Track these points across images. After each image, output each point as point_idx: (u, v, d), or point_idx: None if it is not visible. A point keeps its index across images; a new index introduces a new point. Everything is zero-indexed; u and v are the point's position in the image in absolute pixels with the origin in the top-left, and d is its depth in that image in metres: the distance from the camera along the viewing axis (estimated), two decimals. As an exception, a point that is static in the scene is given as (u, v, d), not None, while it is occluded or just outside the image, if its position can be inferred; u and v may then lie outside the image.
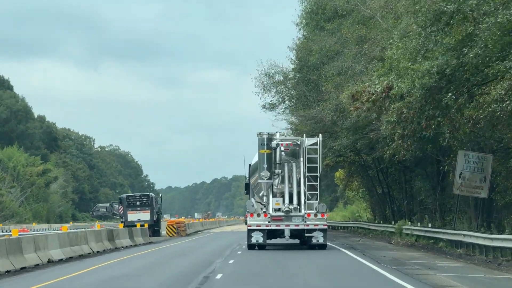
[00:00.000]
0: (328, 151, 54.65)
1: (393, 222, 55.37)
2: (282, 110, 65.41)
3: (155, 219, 68.58)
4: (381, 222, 62.21)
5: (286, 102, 65.07)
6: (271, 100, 63.45)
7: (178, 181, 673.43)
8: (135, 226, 58.59)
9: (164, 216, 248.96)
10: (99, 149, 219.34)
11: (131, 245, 46.38)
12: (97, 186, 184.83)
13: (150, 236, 59.69)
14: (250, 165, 42.47)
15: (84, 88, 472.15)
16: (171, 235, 66.39)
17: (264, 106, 63.42)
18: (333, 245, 42.99)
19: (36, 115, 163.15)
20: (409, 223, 50.90)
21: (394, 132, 34.61)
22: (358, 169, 70.14)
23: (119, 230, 46.32)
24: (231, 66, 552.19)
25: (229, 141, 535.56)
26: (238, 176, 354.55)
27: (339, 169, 78.30)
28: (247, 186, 42.93)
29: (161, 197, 76.09)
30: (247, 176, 42.91)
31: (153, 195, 70.56)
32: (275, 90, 63.20)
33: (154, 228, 66.81)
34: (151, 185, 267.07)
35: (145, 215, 67.12)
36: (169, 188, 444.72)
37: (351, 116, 45.16)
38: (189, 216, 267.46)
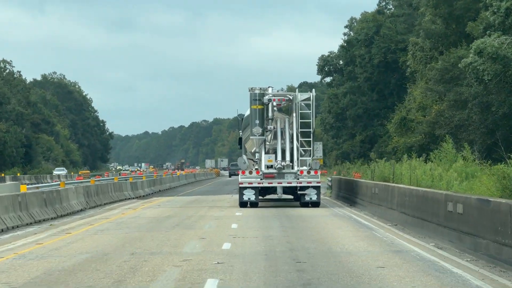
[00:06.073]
0: None
1: None
2: None
3: None
4: None
5: None
6: None
7: (155, 127, 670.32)
8: None
9: (127, 167, 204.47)
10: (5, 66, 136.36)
11: None
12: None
13: None
14: (242, 118, 41.64)
15: (30, 32, 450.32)
16: None
17: None
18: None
19: None
20: None
21: None
22: None
23: None
24: (181, 9, 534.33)
25: (198, 87, 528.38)
26: (220, 119, 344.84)
27: None
28: (240, 141, 42.15)
29: None
30: (240, 130, 42.14)
31: None
32: None
33: None
34: (102, 124, 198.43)
35: None
36: (145, 134, 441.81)
37: None
38: (165, 166, 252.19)
